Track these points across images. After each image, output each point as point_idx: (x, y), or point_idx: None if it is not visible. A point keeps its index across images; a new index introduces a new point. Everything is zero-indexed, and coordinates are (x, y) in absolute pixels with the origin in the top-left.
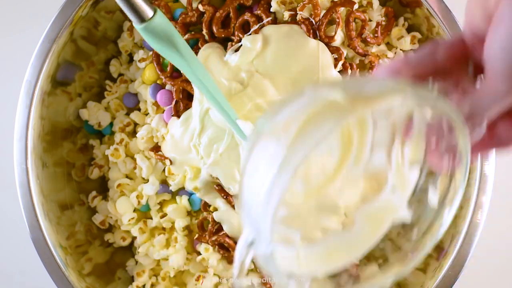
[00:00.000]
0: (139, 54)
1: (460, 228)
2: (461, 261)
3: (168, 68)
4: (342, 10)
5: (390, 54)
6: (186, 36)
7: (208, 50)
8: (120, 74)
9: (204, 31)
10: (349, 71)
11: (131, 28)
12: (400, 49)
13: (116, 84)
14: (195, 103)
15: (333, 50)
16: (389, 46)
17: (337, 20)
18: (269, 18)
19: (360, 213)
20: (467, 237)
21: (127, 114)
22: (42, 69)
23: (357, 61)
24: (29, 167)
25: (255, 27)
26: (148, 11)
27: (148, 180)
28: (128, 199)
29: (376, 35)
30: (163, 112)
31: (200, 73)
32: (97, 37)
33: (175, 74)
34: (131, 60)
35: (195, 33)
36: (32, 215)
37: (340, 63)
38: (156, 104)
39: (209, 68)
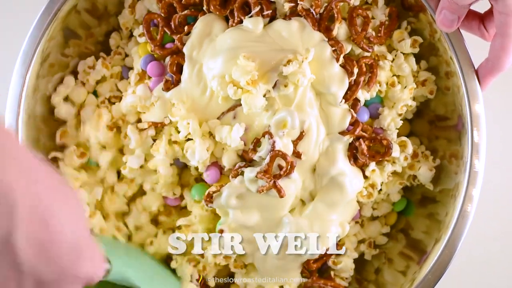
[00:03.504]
0: (140, 29)
1: (442, 233)
2: (442, 266)
3: (158, 37)
4: (341, 5)
5: (389, 56)
6: (185, 12)
7: (212, 16)
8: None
9: (205, 7)
10: (355, 69)
11: (132, 5)
12: (400, 52)
13: (110, 56)
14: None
15: (333, 43)
16: (390, 48)
17: (336, 15)
18: (269, 11)
19: None
20: (449, 243)
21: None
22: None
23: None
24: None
25: (256, 8)
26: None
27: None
28: None
29: (379, 34)
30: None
31: None
32: (100, 10)
33: (168, 44)
34: (131, 35)
35: (194, 10)
36: None
37: (341, 56)
38: (140, 74)
39: (213, 32)
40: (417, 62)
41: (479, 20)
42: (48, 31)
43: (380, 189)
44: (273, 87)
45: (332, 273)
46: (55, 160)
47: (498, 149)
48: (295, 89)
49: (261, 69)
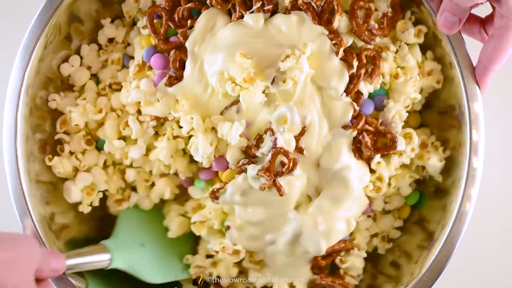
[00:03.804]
0: (143, 21)
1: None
2: (440, 265)
3: (162, 30)
4: None
5: (392, 47)
6: (189, 5)
7: (215, 11)
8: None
9: (208, 1)
10: (355, 62)
11: None
12: (405, 43)
13: (112, 44)
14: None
15: (332, 37)
16: (395, 39)
17: (336, 7)
18: (270, 6)
19: None
20: (447, 243)
21: None
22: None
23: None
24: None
25: (258, 4)
26: (105, 257)
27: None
28: None
29: (381, 26)
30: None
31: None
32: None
33: (172, 37)
34: (134, 23)
35: (198, 3)
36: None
37: (341, 49)
38: (140, 65)
39: (216, 26)
40: (423, 52)
41: (480, 24)
42: (52, 20)
43: (389, 183)
44: (272, 83)
45: (341, 270)
46: (59, 143)
47: (497, 147)
48: (294, 84)
49: (260, 65)
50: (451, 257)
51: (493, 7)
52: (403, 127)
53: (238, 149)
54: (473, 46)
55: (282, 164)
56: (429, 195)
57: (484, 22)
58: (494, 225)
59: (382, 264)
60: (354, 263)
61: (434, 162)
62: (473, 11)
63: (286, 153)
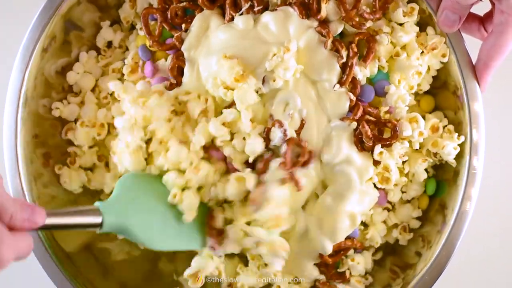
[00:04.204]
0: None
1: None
2: (440, 266)
3: (156, 32)
4: None
5: (386, 29)
6: (182, 4)
7: (209, 13)
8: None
9: (200, 1)
10: (344, 52)
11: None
12: (395, 22)
13: (111, 49)
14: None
15: (320, 29)
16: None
17: None
18: (260, 7)
19: None
20: (447, 243)
21: None
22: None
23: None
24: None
25: (246, 6)
26: (95, 220)
27: None
28: None
29: (374, 9)
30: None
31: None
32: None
33: (168, 39)
34: (132, 28)
35: (193, 3)
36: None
37: (329, 41)
38: (132, 66)
39: (210, 29)
40: (424, 29)
41: (479, 22)
42: (49, 25)
43: (403, 169)
44: (263, 83)
45: (346, 272)
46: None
47: (497, 145)
48: (285, 81)
49: (249, 66)
50: (452, 257)
51: (493, 4)
52: (415, 111)
53: (258, 137)
54: (472, 44)
55: (297, 156)
56: (450, 180)
57: (483, 20)
58: (494, 223)
59: (407, 254)
60: (353, 268)
61: (449, 150)
62: (472, 9)
63: (299, 143)
